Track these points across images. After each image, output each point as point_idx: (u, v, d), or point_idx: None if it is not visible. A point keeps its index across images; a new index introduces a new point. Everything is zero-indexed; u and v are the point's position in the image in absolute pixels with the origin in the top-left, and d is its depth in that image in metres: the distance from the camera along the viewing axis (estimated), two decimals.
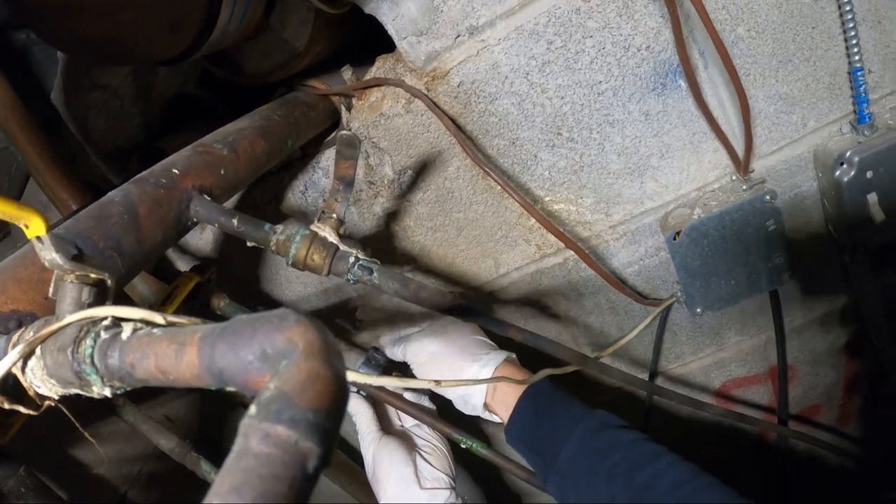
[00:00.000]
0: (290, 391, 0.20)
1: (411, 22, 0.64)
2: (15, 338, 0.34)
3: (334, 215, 0.56)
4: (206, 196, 0.57)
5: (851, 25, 0.62)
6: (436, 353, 0.65)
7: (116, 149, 0.88)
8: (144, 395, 0.92)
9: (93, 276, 0.35)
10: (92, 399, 0.34)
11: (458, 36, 0.64)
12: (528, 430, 0.60)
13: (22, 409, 0.34)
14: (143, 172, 0.56)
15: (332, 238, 0.54)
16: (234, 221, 0.55)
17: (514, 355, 0.66)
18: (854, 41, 0.63)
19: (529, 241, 0.73)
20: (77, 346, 0.30)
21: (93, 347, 0.30)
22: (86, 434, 0.45)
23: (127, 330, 0.30)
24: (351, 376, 0.48)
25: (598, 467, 0.53)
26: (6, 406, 0.34)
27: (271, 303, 0.84)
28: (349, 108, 0.76)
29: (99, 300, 0.35)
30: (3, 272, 0.42)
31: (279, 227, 0.54)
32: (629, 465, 0.52)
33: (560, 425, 0.58)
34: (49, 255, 0.34)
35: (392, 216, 0.73)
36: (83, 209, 0.84)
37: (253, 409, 0.20)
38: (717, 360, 0.84)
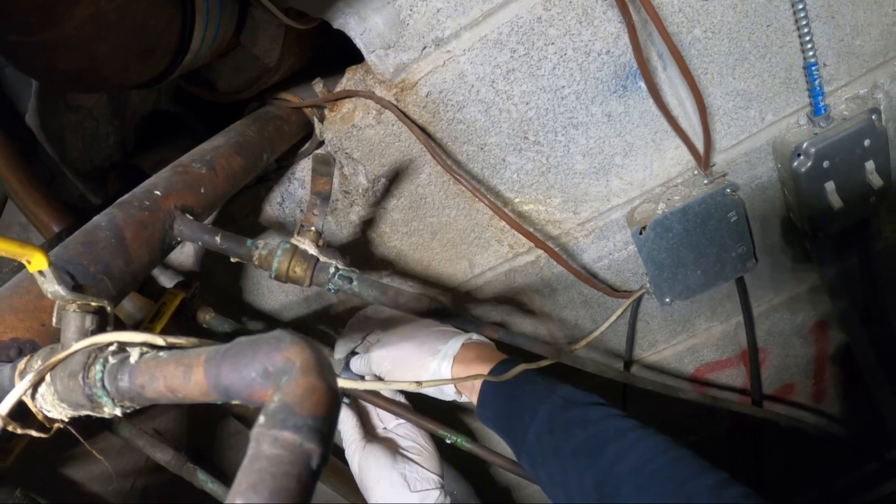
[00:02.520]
0: (291, 402, 0.24)
1: (379, 36, 0.68)
2: (21, 366, 0.37)
3: (313, 228, 0.59)
4: (188, 215, 0.60)
5: (805, 22, 0.65)
6: (397, 358, 0.67)
7: (93, 168, 0.91)
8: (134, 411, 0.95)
9: (93, 304, 0.38)
10: (88, 418, 0.38)
11: (425, 48, 0.67)
12: (496, 412, 0.62)
13: (34, 433, 0.37)
14: (126, 196, 0.58)
15: (312, 251, 0.58)
16: (218, 239, 0.58)
17: (473, 335, 0.67)
18: (808, 37, 0.66)
19: (502, 241, 0.77)
20: (87, 372, 0.33)
21: (102, 372, 0.33)
22: (93, 451, 0.48)
23: (134, 355, 0.33)
24: (340, 383, 0.52)
25: (563, 446, 0.53)
26: (18, 431, 0.36)
27: (255, 313, 0.88)
28: (322, 120, 0.79)
29: (101, 326, 0.38)
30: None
31: (261, 243, 0.58)
32: (595, 443, 0.52)
33: (525, 406, 0.58)
34: (52, 287, 0.37)
35: (368, 223, 0.77)
36: (68, 233, 0.87)
37: (261, 419, 0.24)
38: (690, 346, 0.89)
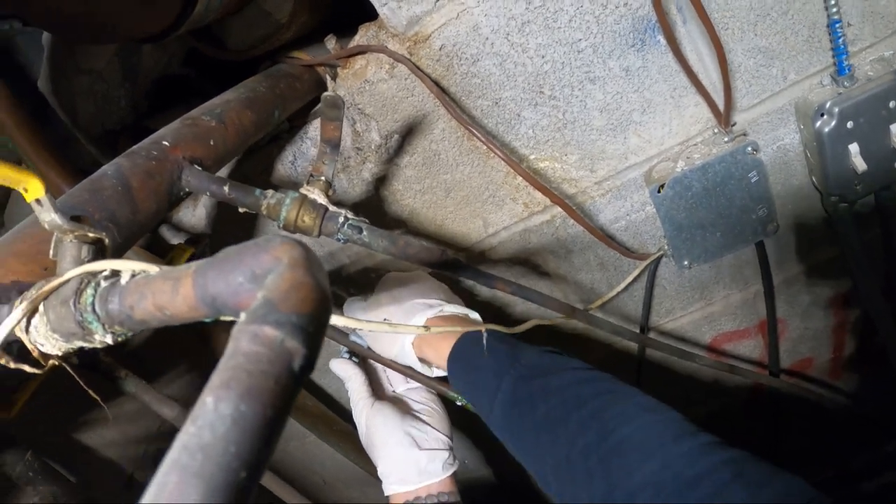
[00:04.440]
0: (274, 298, 0.22)
1: None
2: (17, 302, 0.36)
3: (323, 178, 0.59)
4: (196, 167, 0.60)
5: None
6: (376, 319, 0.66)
7: (105, 132, 0.92)
8: (147, 377, 0.96)
9: (91, 234, 0.37)
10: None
11: (438, 0, 0.67)
12: (463, 384, 0.61)
13: (26, 368, 0.36)
14: (134, 146, 0.59)
15: (322, 200, 0.58)
16: (225, 189, 0.58)
17: (445, 308, 0.66)
18: None
19: (517, 199, 0.77)
20: (78, 297, 0.32)
21: (93, 296, 0.32)
22: (93, 395, 0.48)
23: (126, 275, 0.32)
24: (336, 320, 0.50)
25: (527, 420, 0.52)
26: (11, 365, 0.36)
27: None
28: (334, 78, 0.79)
29: (98, 257, 0.37)
30: (3, 246, 0.44)
31: (269, 192, 0.58)
32: (558, 413, 0.50)
33: (489, 378, 0.57)
34: (49, 216, 0.36)
35: (381, 181, 0.77)
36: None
37: (242, 316, 0.22)
38: (707, 314, 0.88)
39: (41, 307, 0.35)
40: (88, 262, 0.37)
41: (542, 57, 0.69)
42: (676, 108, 0.72)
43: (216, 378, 0.20)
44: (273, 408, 0.19)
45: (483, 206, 0.78)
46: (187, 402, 1.12)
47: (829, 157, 0.73)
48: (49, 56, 0.93)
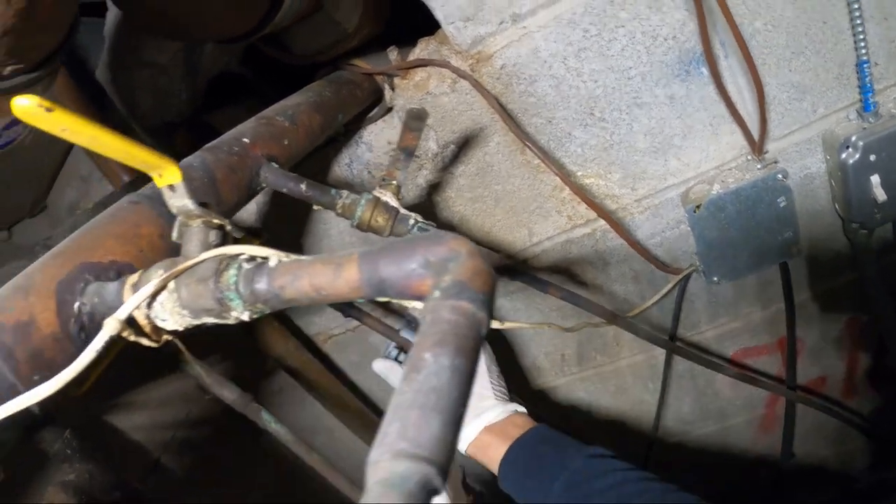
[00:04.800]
0: (465, 280, 0.28)
1: (458, 8, 0.74)
2: (134, 279, 0.40)
3: (394, 182, 0.65)
4: (273, 164, 0.66)
5: (859, 21, 0.71)
6: None
7: (163, 124, 0.97)
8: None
9: (216, 221, 0.41)
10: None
11: (502, 22, 0.74)
12: (515, 489, 0.63)
13: (144, 342, 0.40)
14: (214, 142, 0.64)
15: (394, 202, 0.63)
16: (303, 186, 0.63)
17: (521, 408, 0.67)
18: (861, 36, 0.72)
19: (561, 212, 0.83)
20: (219, 277, 0.36)
21: (237, 276, 0.36)
22: (190, 357, 0.52)
23: (273, 260, 0.36)
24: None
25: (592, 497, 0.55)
26: (132, 338, 0.39)
27: None
28: (392, 87, 0.86)
29: (223, 242, 0.42)
30: (98, 228, 0.48)
31: (344, 192, 0.63)
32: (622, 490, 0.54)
33: (553, 461, 0.60)
34: (180, 202, 0.40)
35: (434, 187, 0.83)
36: (143, 182, 0.93)
37: (436, 293, 0.27)
38: (731, 329, 0.94)
39: (171, 284, 0.39)
40: (215, 245, 0.41)
41: (595, 81, 0.75)
42: (714, 134, 0.79)
43: (427, 340, 0.25)
44: (472, 362, 0.25)
45: (529, 217, 0.84)
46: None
47: (851, 186, 0.80)
48: (110, 48, 0.99)
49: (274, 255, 0.38)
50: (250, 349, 0.98)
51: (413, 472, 0.21)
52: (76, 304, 0.42)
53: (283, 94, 0.94)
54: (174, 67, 0.94)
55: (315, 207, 0.65)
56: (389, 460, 0.21)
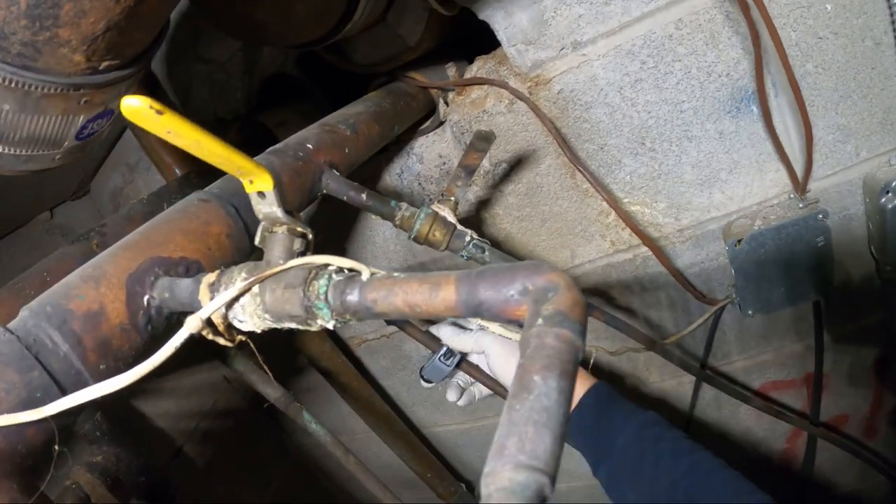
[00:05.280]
0: (565, 310, 0.31)
1: (521, 32, 0.78)
2: (211, 278, 0.42)
3: (453, 198, 0.68)
4: (334, 171, 0.70)
5: None
6: (507, 347, 0.72)
7: (216, 119, 1.02)
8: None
9: (300, 229, 0.43)
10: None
11: (563, 48, 0.78)
12: (587, 425, 0.69)
13: (221, 341, 0.42)
14: (279, 145, 0.67)
15: (451, 218, 0.67)
16: (363, 196, 0.67)
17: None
18: None
19: (605, 236, 0.87)
20: (308, 286, 0.38)
21: (327, 286, 0.38)
22: (265, 368, 0.56)
23: (365, 274, 0.38)
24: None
25: (647, 455, 0.63)
26: (210, 337, 0.41)
27: None
28: (447, 102, 0.90)
29: (306, 250, 0.43)
30: (168, 223, 0.50)
31: (403, 205, 0.66)
32: (673, 454, 0.62)
33: (617, 419, 0.67)
34: (268, 208, 0.42)
35: (483, 204, 0.87)
36: (196, 177, 0.96)
37: (540, 321, 0.30)
38: (760, 361, 0.98)
39: (255, 288, 0.41)
40: (300, 253, 0.43)
41: (649, 112, 0.79)
42: (759, 171, 0.83)
43: (536, 363, 0.28)
44: (573, 383, 0.28)
45: (574, 239, 0.88)
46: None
47: (888, 230, 0.83)
48: (169, 40, 1.03)
49: (365, 269, 0.39)
50: (285, 346, 1.02)
51: (532, 482, 0.24)
52: (146, 297, 0.44)
53: (333, 97, 0.99)
54: (233, 65, 0.99)
55: (372, 216, 0.69)
56: (510, 471, 0.24)
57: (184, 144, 0.35)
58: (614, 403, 0.68)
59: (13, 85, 0.40)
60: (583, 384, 0.70)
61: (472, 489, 1.13)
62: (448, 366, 0.76)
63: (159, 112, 0.32)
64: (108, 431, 1.02)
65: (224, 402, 1.18)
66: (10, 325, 0.39)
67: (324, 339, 0.97)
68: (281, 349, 1.05)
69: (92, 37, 0.41)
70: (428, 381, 0.78)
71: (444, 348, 0.77)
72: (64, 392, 0.39)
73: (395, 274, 0.39)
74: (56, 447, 0.39)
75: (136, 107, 0.30)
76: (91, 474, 1.02)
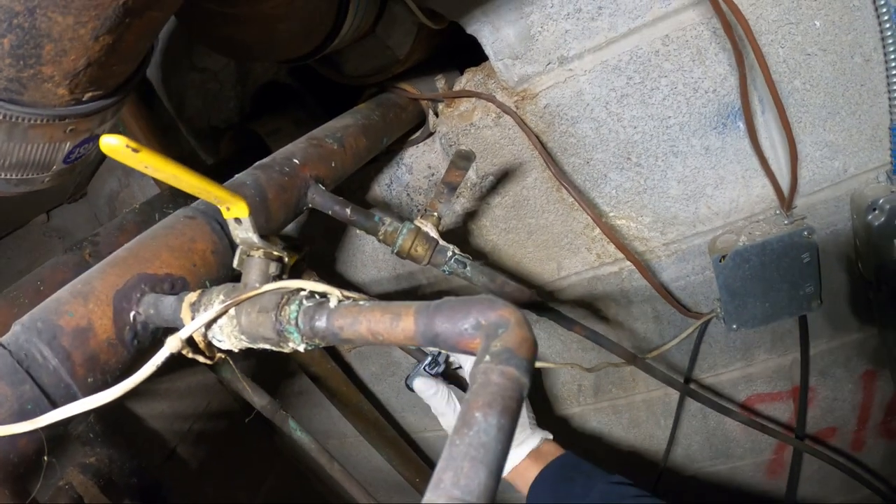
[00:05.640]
0: (513, 347, 0.32)
1: (508, 46, 0.80)
2: (192, 298, 0.44)
3: (436, 214, 0.70)
4: (320, 185, 0.72)
5: None
6: None
7: (210, 127, 1.04)
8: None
9: (275, 253, 0.45)
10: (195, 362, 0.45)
11: (549, 63, 0.79)
12: (544, 497, 0.69)
13: (201, 359, 0.44)
14: (266, 160, 0.68)
15: (434, 234, 0.68)
16: (348, 211, 0.68)
17: (549, 436, 0.74)
18: None
19: (591, 249, 0.89)
20: (280, 311, 0.39)
21: (297, 312, 0.39)
22: (247, 385, 0.59)
23: (333, 301, 0.39)
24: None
25: None
26: (190, 355, 0.43)
27: (345, 283, 1.00)
28: (436, 113, 0.92)
29: (280, 274, 0.45)
30: (155, 239, 0.51)
31: (387, 219, 0.68)
32: None
33: (577, 490, 0.67)
34: (245, 234, 0.44)
35: (470, 215, 0.89)
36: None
37: (487, 357, 0.32)
38: (745, 374, 1.00)
39: (232, 311, 0.42)
40: (275, 277, 0.45)
41: (635, 127, 0.81)
42: (745, 187, 0.84)
43: (479, 400, 0.30)
44: (515, 421, 0.29)
45: (560, 252, 0.89)
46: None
47: (875, 247, 0.84)
48: (164, 49, 1.06)
49: (334, 295, 0.41)
50: (288, 364, 1.04)
51: None
52: (132, 314, 0.46)
53: (327, 105, 1.01)
54: (226, 75, 1.01)
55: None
56: None
57: (162, 178, 0.37)
58: (577, 472, 0.69)
59: (1, 117, 0.42)
60: (546, 457, 0.71)
61: None
62: (433, 375, 0.79)
63: (135, 150, 0.34)
64: (102, 433, 1.05)
65: (217, 404, 1.21)
66: (3, 339, 0.41)
67: None
68: (272, 352, 1.08)
69: (74, 72, 0.43)
70: (413, 389, 0.81)
71: (429, 358, 0.80)
72: (54, 404, 0.41)
73: (361, 302, 0.40)
74: (45, 458, 0.42)
75: (114, 145, 0.33)
76: (84, 475, 1.05)
